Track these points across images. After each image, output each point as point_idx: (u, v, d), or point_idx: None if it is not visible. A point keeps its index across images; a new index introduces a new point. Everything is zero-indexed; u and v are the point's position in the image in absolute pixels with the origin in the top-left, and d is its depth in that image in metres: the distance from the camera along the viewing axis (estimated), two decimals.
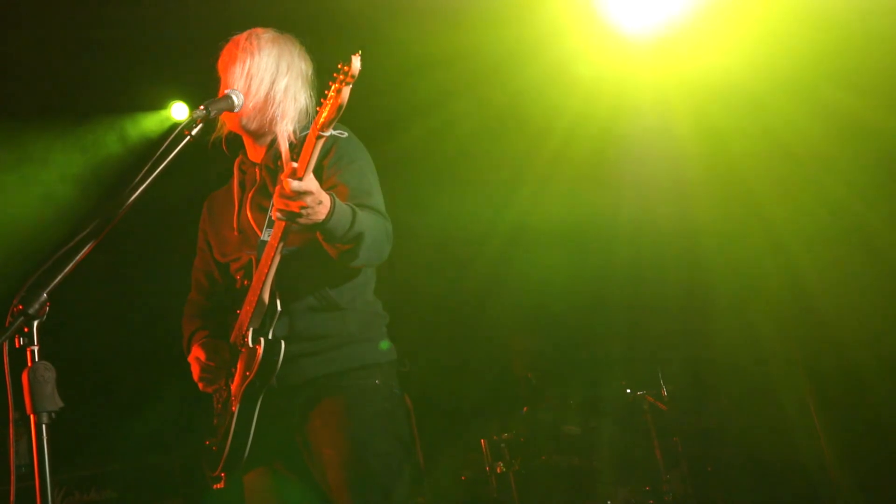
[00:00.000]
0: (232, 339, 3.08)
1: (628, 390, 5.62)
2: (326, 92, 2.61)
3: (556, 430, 5.73)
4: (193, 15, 5.42)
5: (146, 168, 2.53)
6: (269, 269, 2.91)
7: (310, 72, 3.25)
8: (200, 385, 3.25)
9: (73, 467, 5.43)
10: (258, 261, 2.96)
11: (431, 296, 6.86)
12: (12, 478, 2.27)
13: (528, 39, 5.66)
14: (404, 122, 3.42)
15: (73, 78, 5.93)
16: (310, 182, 2.62)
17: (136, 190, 2.50)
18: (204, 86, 3.28)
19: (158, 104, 6.36)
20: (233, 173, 3.28)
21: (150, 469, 5.52)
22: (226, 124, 3.14)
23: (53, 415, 2.22)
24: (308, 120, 3.14)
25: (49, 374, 2.22)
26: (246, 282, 3.05)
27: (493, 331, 6.58)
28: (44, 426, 2.20)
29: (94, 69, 5.87)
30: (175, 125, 2.69)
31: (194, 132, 2.66)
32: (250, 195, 3.16)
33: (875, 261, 5.11)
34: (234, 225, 3.18)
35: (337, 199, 2.75)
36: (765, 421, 5.61)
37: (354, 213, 2.80)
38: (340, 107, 2.59)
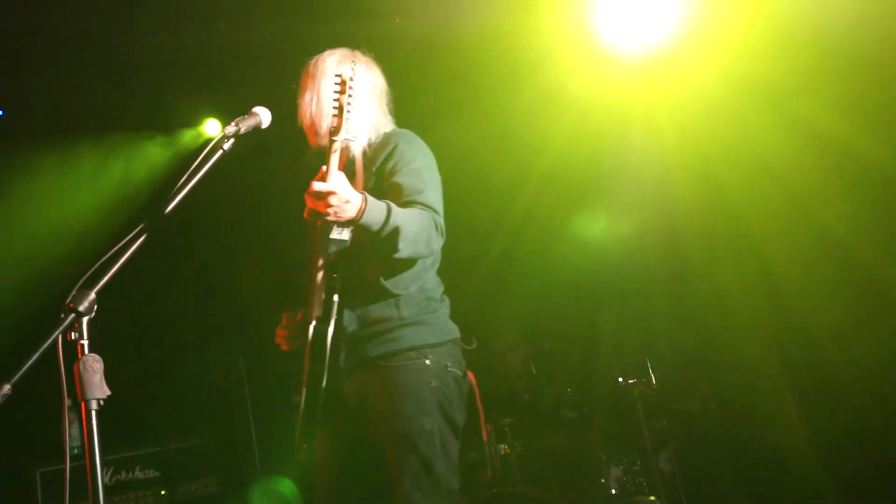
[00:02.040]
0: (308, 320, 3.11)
1: (620, 379, 5.62)
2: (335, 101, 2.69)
3: (554, 415, 5.74)
4: (225, 41, 5.45)
5: (183, 179, 2.56)
6: (321, 264, 2.99)
7: (379, 83, 3.32)
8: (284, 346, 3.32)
9: (120, 448, 5.45)
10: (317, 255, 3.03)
11: None
12: (66, 458, 2.29)
13: (523, 61, 5.64)
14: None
15: (118, 98, 5.96)
16: (333, 183, 2.68)
17: (175, 199, 2.54)
18: (235, 103, 3.30)
19: (193, 121, 6.39)
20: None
21: (189, 450, 5.54)
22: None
23: (102, 402, 2.24)
24: (380, 130, 3.20)
25: (97, 365, 2.24)
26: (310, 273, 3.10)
27: (496, 328, 6.58)
28: (93, 412, 2.23)
29: (135, 90, 5.90)
30: (208, 140, 2.70)
31: (226, 146, 2.68)
32: None
33: (848, 269, 5.09)
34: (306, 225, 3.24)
35: (370, 198, 2.79)
36: (742, 405, 5.61)
37: (389, 210, 2.82)
38: (345, 115, 2.67)
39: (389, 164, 3.08)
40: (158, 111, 6.20)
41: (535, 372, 6.10)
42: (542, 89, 5.80)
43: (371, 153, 3.14)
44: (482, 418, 5.60)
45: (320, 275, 3.02)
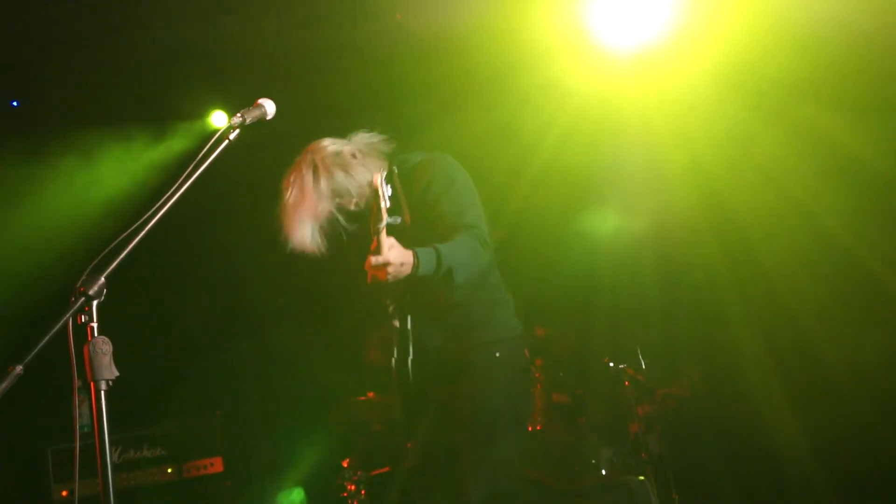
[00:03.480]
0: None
1: (611, 363, 5.62)
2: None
3: (548, 399, 5.74)
4: (228, 34, 5.44)
5: (190, 168, 2.56)
6: (389, 301, 3.31)
7: (338, 166, 3.36)
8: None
9: (128, 428, 5.46)
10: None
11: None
12: (76, 437, 2.29)
13: (519, 58, 5.63)
14: (402, 138, 3.45)
15: (127, 90, 5.95)
16: (387, 255, 2.93)
17: (182, 188, 2.54)
18: (240, 95, 3.30)
19: (200, 113, 6.38)
20: None
21: (195, 429, 5.54)
22: None
23: (110, 382, 2.25)
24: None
25: (106, 347, 2.25)
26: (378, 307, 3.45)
27: None
28: (102, 392, 2.23)
29: (143, 83, 5.89)
30: (215, 132, 2.71)
31: (232, 137, 2.69)
32: None
33: (836, 258, 5.08)
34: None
35: (420, 252, 3.02)
36: (731, 391, 5.61)
37: (439, 256, 3.06)
38: (380, 207, 2.92)
39: (430, 196, 3.29)
40: (166, 103, 6.18)
41: (530, 359, 6.10)
42: (538, 86, 5.78)
43: (407, 184, 3.37)
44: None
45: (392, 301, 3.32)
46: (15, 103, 6.04)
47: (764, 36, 4.94)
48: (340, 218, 3.33)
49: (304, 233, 3.30)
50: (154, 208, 2.48)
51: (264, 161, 6.17)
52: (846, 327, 5.06)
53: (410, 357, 3.26)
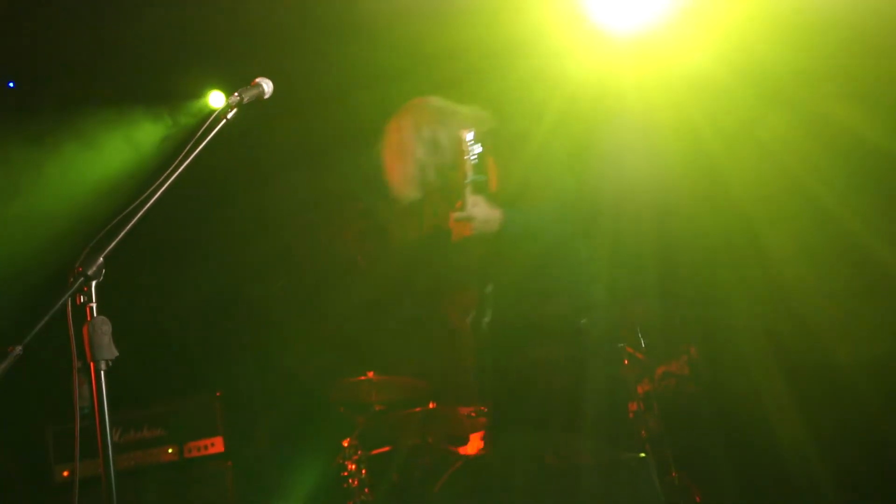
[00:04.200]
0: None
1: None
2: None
3: None
4: (226, 12, 5.41)
5: (188, 147, 2.55)
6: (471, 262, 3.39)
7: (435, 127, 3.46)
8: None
9: (129, 408, 5.47)
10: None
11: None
12: (76, 418, 2.29)
13: (514, 39, 5.59)
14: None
15: (124, 71, 5.92)
16: (471, 211, 3.05)
17: (180, 167, 2.52)
18: (238, 75, 3.28)
19: (197, 93, 6.35)
20: None
21: (195, 409, 5.54)
22: None
23: (110, 363, 2.24)
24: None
25: (106, 327, 2.24)
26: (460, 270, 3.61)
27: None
28: (102, 373, 2.23)
29: (138, 61, 5.86)
30: (212, 111, 2.70)
31: (230, 116, 2.67)
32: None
33: (851, 259, 5.06)
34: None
35: (506, 213, 3.12)
36: (728, 368, 5.61)
37: (526, 219, 3.19)
38: (467, 163, 3.05)
39: (520, 164, 3.38)
40: (163, 84, 6.16)
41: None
42: (534, 68, 5.74)
43: (496, 150, 3.43)
44: None
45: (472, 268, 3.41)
46: (11, 84, 6.01)
47: (768, 17, 4.90)
48: (430, 171, 3.41)
49: (406, 177, 3.42)
50: (152, 188, 2.47)
51: (264, 139, 6.20)
52: (847, 310, 5.05)
53: (486, 319, 3.28)
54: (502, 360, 3.35)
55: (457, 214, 3.07)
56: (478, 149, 3.04)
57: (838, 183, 4.99)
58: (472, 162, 3.03)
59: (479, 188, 3.09)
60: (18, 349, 2.12)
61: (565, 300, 3.37)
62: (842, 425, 5.01)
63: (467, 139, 3.01)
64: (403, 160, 3.39)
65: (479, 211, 3.08)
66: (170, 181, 2.50)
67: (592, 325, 3.38)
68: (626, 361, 5.53)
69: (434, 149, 3.39)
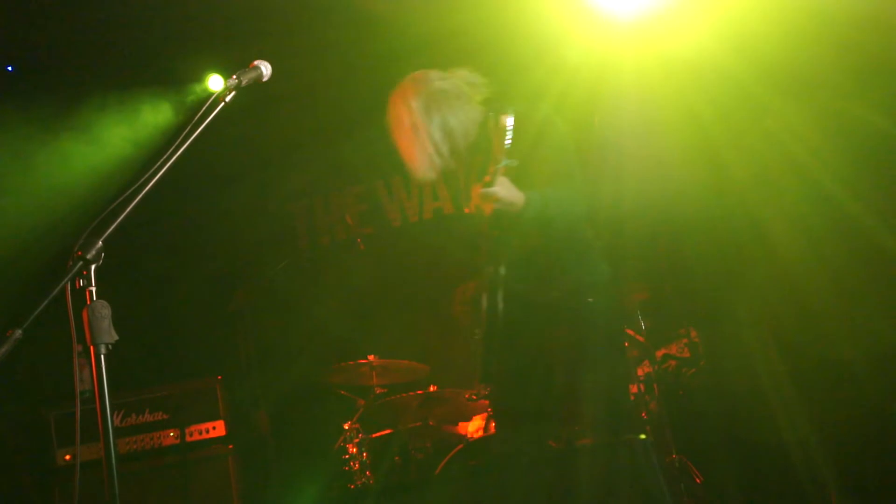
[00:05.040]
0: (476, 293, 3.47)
1: None
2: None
3: None
4: None
5: (186, 130, 2.54)
6: (486, 243, 3.30)
7: (447, 100, 3.47)
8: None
9: (130, 392, 5.47)
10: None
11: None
12: (77, 402, 2.29)
13: (513, 22, 5.56)
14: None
15: (122, 54, 5.90)
16: (496, 189, 3.04)
17: (178, 150, 2.51)
18: (237, 58, 3.27)
19: (196, 77, 6.33)
20: None
21: (196, 393, 5.55)
22: None
23: (110, 346, 2.24)
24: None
25: (105, 311, 2.24)
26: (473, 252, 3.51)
27: None
28: (102, 356, 2.22)
29: (140, 46, 5.84)
30: (211, 94, 2.69)
31: (228, 99, 2.67)
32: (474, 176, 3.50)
33: (857, 251, 5.03)
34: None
35: (529, 196, 3.12)
36: (728, 351, 5.61)
37: (545, 202, 3.17)
38: (503, 148, 3.02)
39: (529, 144, 3.30)
40: (162, 67, 6.14)
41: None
42: (533, 51, 5.72)
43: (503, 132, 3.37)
44: None
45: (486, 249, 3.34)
46: (10, 68, 5.99)
47: (773, 2, 4.86)
48: (442, 155, 3.40)
49: (427, 163, 3.41)
50: (151, 171, 2.46)
51: (265, 121, 6.18)
52: (853, 301, 5.03)
53: (500, 301, 3.27)
54: (513, 340, 3.36)
55: (483, 190, 3.06)
56: (510, 135, 3.02)
57: (845, 173, 4.96)
58: (507, 146, 3.01)
59: (510, 172, 3.09)
60: (18, 333, 2.12)
61: (574, 279, 3.40)
62: (842, 413, 5.00)
63: (504, 123, 2.99)
64: (419, 141, 3.38)
65: (506, 191, 3.07)
66: (168, 164, 2.49)
67: (598, 302, 3.40)
68: (626, 344, 5.54)
69: (447, 131, 3.39)
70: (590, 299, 3.38)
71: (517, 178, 3.14)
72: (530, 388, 3.43)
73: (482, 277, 3.34)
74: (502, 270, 3.28)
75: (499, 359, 3.35)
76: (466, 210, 3.31)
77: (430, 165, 3.40)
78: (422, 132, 3.37)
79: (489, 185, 3.04)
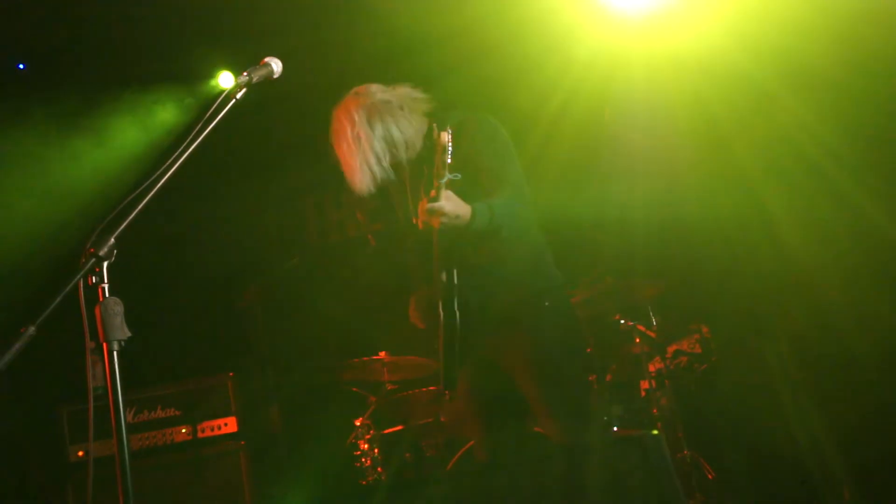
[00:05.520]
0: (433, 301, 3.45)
1: (622, 321, 5.61)
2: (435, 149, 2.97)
3: None
4: None
5: (197, 128, 2.54)
6: (436, 253, 3.27)
7: (385, 114, 3.43)
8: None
9: (142, 388, 5.49)
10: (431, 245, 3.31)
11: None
12: (90, 398, 2.29)
13: (522, 17, 5.55)
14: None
15: (127, 50, 5.91)
16: (444, 205, 3.01)
17: (190, 147, 2.52)
18: (248, 56, 3.27)
19: (207, 74, 6.34)
20: None
21: (208, 389, 5.56)
22: None
23: (123, 343, 2.24)
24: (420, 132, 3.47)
25: (118, 307, 2.24)
26: (425, 261, 3.43)
27: None
28: (115, 353, 2.23)
29: (147, 42, 5.85)
30: (222, 91, 2.69)
31: (239, 96, 2.68)
32: (422, 186, 3.43)
33: (870, 247, 4.99)
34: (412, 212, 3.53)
35: (476, 208, 3.11)
36: (739, 346, 5.59)
37: (492, 212, 3.16)
38: (444, 163, 2.94)
39: (472, 154, 3.32)
40: (173, 65, 6.15)
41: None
42: (543, 47, 5.70)
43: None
44: None
45: (434, 264, 3.32)
46: (21, 66, 6.01)
47: None
48: (384, 167, 3.40)
49: (367, 176, 3.39)
50: (162, 168, 2.46)
51: (273, 119, 6.18)
52: (863, 295, 5.00)
53: (456, 309, 3.29)
54: (472, 347, 3.39)
55: (429, 205, 3.02)
56: (450, 148, 2.96)
57: (857, 167, 4.92)
58: (448, 161, 2.96)
59: (454, 185, 3.06)
60: (32, 329, 2.12)
61: (528, 285, 3.43)
62: (854, 408, 4.98)
63: (445, 139, 2.93)
64: (361, 152, 3.37)
65: (452, 205, 3.05)
66: (180, 161, 2.49)
67: (555, 305, 3.45)
68: (637, 339, 5.53)
69: (389, 142, 3.38)
70: (546, 303, 3.42)
71: (462, 190, 3.13)
72: (495, 391, 3.48)
73: (436, 286, 3.35)
74: (455, 279, 3.30)
75: (459, 365, 3.40)
76: (415, 220, 3.28)
77: (370, 178, 3.39)
78: (364, 143, 3.36)
79: (434, 199, 3.02)
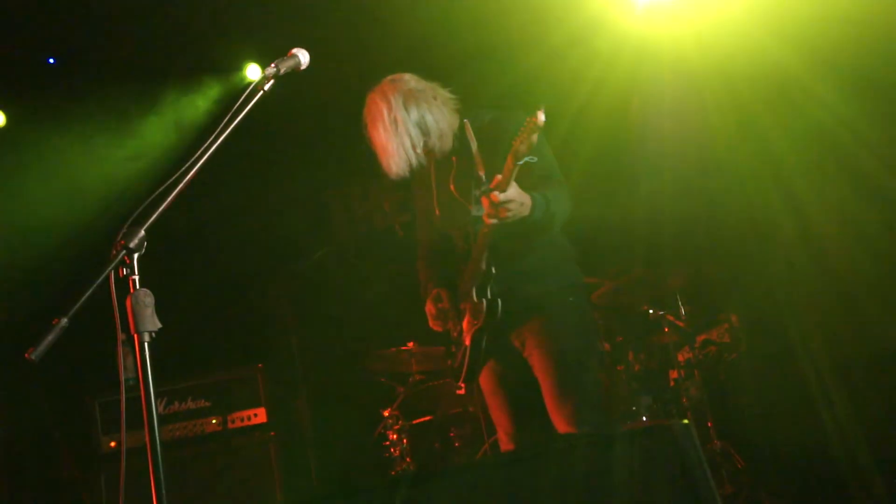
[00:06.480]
0: (460, 290, 3.52)
1: (650, 311, 5.58)
2: (522, 128, 2.92)
3: None
4: None
5: (225, 120, 2.54)
6: (483, 242, 3.28)
7: (424, 99, 3.49)
8: (433, 325, 3.73)
9: (173, 380, 5.52)
10: (475, 233, 3.36)
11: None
12: (122, 389, 2.30)
13: (546, 6, 5.52)
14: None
15: (154, 43, 5.93)
16: (510, 193, 3.03)
17: (218, 140, 2.52)
18: (276, 48, 3.27)
19: (235, 66, 6.36)
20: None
21: (238, 381, 5.58)
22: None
23: (153, 334, 2.25)
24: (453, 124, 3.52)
25: (148, 299, 2.25)
26: (463, 248, 3.48)
27: None
28: (145, 344, 2.24)
29: (174, 35, 5.87)
30: (250, 83, 2.69)
31: (267, 87, 2.67)
32: (451, 177, 3.53)
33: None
34: (435, 204, 3.61)
35: (535, 197, 3.14)
36: (769, 335, 5.54)
37: (548, 203, 3.19)
38: (532, 144, 2.93)
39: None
40: (200, 57, 6.17)
41: None
42: (570, 34, 5.67)
43: (482, 138, 3.41)
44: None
45: (475, 252, 3.35)
46: (52, 60, 6.05)
47: None
48: (418, 153, 3.44)
49: (402, 160, 3.43)
50: (191, 160, 2.47)
51: (300, 110, 6.19)
52: (892, 282, 4.93)
53: (488, 295, 3.33)
54: (499, 338, 3.44)
55: (499, 195, 3.03)
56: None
57: (889, 158, 4.85)
58: (535, 142, 2.95)
59: (525, 169, 3.07)
60: (64, 321, 2.14)
61: (553, 280, 3.46)
62: (884, 402, 4.92)
63: (541, 119, 2.88)
64: (398, 136, 3.40)
65: (516, 193, 3.08)
66: (209, 154, 2.50)
67: (578, 302, 3.50)
68: (666, 329, 5.50)
69: (423, 128, 3.42)
70: (570, 298, 3.46)
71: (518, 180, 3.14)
72: (524, 384, 3.49)
73: (471, 274, 3.37)
74: (493, 269, 3.33)
75: (484, 358, 3.46)
76: (437, 213, 3.35)
77: (406, 162, 3.42)
78: (400, 126, 3.39)
79: (502, 188, 3.03)
